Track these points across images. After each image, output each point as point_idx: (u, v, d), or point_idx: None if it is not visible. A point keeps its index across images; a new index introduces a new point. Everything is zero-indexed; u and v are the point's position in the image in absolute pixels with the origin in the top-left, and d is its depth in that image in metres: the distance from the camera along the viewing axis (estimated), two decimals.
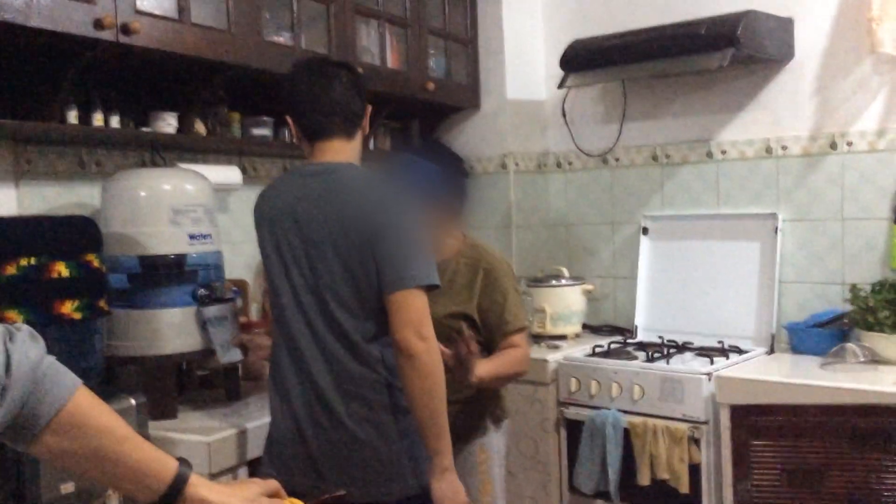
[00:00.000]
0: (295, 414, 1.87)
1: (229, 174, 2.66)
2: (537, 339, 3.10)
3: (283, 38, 2.54)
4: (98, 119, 2.22)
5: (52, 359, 1.11)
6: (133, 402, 1.86)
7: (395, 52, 3.02)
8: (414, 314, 1.78)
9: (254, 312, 2.82)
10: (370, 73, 2.81)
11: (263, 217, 1.95)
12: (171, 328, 2.08)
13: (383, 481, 1.83)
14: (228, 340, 2.12)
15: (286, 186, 1.97)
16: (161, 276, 2.09)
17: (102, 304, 1.93)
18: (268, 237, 1.93)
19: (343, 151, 1.94)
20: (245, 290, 2.73)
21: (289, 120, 1.97)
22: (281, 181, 2.05)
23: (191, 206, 2.15)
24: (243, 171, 2.77)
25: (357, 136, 1.98)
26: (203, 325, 2.12)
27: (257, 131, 2.70)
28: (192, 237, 2.14)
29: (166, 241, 2.10)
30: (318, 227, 1.86)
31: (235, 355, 2.15)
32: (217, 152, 2.76)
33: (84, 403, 1.12)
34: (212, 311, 2.12)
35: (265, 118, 2.70)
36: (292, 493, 1.35)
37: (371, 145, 3.15)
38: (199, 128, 2.49)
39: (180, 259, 2.10)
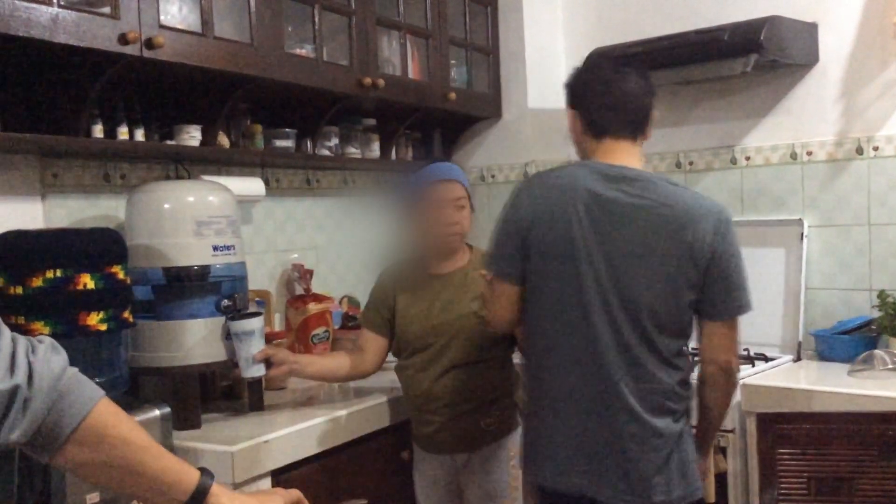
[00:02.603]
0: (602, 430, 1.86)
1: (252, 186, 2.69)
2: None
3: (305, 51, 2.56)
4: (123, 133, 2.25)
5: (74, 370, 1.12)
6: (157, 412, 1.88)
7: (416, 63, 3.03)
8: (737, 338, 1.92)
9: (277, 323, 2.84)
10: (392, 84, 2.83)
11: (551, 213, 1.86)
12: (195, 339, 2.09)
13: (688, 483, 1.90)
14: (253, 355, 2.13)
15: (584, 183, 1.86)
16: (185, 287, 2.10)
17: (127, 315, 1.95)
18: (556, 235, 1.85)
19: (631, 155, 1.92)
20: (268, 301, 2.74)
21: (571, 113, 1.97)
22: (571, 175, 1.90)
23: (214, 217, 2.16)
24: (266, 182, 2.79)
25: (640, 142, 1.95)
26: (229, 338, 2.13)
27: (280, 143, 2.72)
28: (215, 248, 2.15)
29: (190, 252, 2.11)
30: (640, 240, 1.82)
31: (259, 371, 2.15)
32: (240, 164, 2.78)
33: (106, 415, 1.13)
34: (240, 325, 2.12)
35: (288, 130, 2.72)
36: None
37: (392, 155, 3.16)
38: (223, 140, 2.51)
39: (204, 270, 2.12)
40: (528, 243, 1.89)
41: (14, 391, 1.04)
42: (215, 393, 2.37)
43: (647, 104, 1.94)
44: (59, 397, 1.08)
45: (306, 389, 2.52)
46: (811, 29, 2.87)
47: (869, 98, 2.80)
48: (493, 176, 3.43)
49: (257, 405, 2.27)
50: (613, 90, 1.91)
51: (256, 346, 2.14)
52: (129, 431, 1.15)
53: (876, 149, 2.79)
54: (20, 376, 1.05)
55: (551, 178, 1.94)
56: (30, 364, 1.07)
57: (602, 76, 1.94)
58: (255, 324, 2.14)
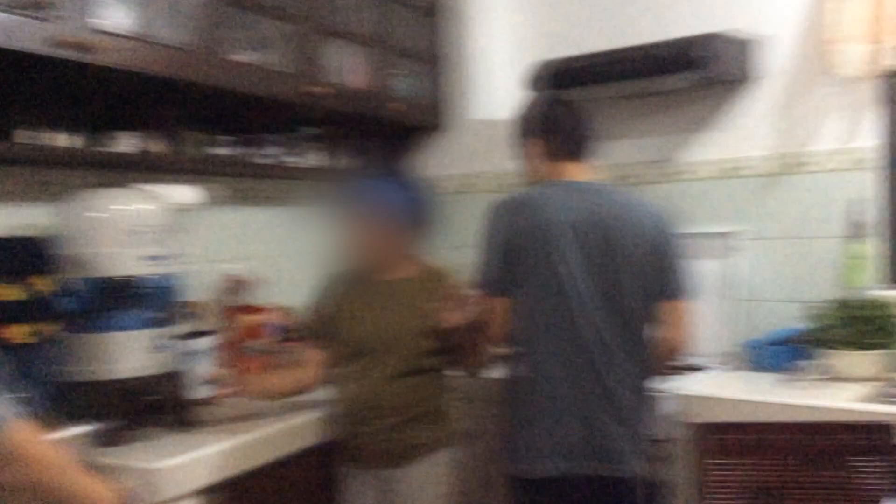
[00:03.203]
0: (581, 412, 2.15)
1: (189, 194, 2.63)
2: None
3: (247, 58, 2.53)
4: (53, 138, 2.19)
5: None
6: (82, 428, 1.83)
7: (359, 72, 3.01)
8: (690, 318, 2.27)
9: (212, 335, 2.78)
10: (335, 92, 2.81)
11: (535, 226, 2.16)
12: (124, 352, 2.04)
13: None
14: (202, 376, 2.09)
15: (560, 199, 2.19)
16: (115, 298, 2.05)
17: (51, 327, 1.89)
18: (541, 245, 2.15)
19: (586, 173, 2.29)
20: (204, 313, 2.68)
21: (530, 141, 2.31)
22: (545, 194, 2.22)
23: (147, 226, 2.12)
24: (204, 191, 2.73)
25: (590, 162, 2.31)
26: (173, 353, 2.08)
27: (219, 150, 2.68)
28: (148, 259, 2.11)
29: (121, 262, 2.06)
30: (616, 238, 2.14)
31: (207, 392, 2.11)
32: (177, 171, 2.73)
33: (21, 436, 1.10)
34: (188, 345, 2.08)
35: (227, 137, 2.69)
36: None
37: (334, 165, 3.14)
38: (160, 147, 2.46)
39: (135, 281, 2.07)
40: (509, 257, 2.17)
41: None
42: (142, 408, 2.30)
43: (594, 132, 2.34)
44: None
45: (236, 404, 2.46)
46: (748, 46, 2.93)
47: (802, 114, 2.87)
48: (437, 186, 3.42)
49: (186, 421, 2.21)
50: (570, 122, 2.30)
51: (204, 367, 2.10)
52: (44, 452, 1.12)
53: (807, 164, 2.86)
54: None
55: (520, 198, 2.25)
56: None
57: (557, 110, 2.33)
58: (205, 343, 2.10)
